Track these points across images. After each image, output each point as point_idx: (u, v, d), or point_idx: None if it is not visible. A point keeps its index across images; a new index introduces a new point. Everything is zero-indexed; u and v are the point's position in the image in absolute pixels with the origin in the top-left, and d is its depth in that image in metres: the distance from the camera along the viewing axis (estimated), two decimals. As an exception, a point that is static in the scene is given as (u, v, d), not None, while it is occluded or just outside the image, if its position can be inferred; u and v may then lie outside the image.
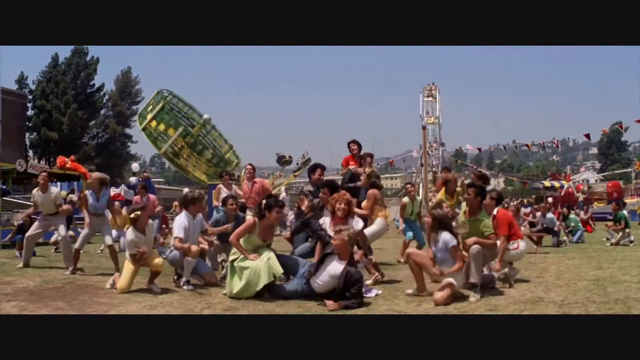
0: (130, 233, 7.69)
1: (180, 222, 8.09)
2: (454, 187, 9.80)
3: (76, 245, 9.77)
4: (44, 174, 10.67)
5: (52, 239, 13.41)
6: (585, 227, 19.70)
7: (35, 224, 10.61)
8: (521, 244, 8.19)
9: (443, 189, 9.91)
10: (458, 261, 6.82)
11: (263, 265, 6.98)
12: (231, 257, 7.35)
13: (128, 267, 7.60)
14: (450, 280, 6.67)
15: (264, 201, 7.50)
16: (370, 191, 8.85)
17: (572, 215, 18.59)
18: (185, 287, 7.65)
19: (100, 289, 7.70)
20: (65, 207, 10.82)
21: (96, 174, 10.49)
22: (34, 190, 10.60)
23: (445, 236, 6.91)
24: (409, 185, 13.34)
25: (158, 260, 7.68)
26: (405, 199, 12.23)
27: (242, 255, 7.18)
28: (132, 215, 7.78)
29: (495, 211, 7.94)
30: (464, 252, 7.01)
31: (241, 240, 7.31)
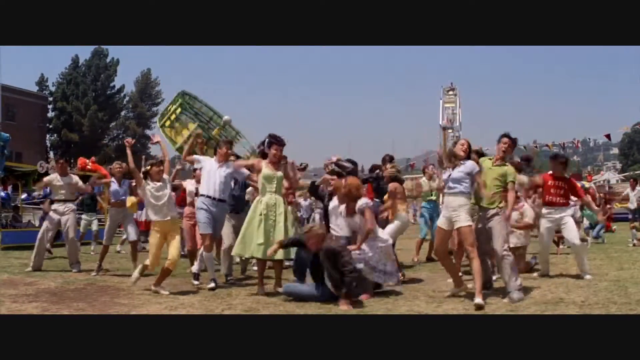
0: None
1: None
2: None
3: (104, 242, 9.85)
4: (61, 161, 10.58)
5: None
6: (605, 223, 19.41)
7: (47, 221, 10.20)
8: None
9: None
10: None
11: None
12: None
13: (153, 241, 7.63)
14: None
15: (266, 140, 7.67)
16: (392, 184, 8.70)
17: (588, 212, 18.29)
18: (208, 286, 7.65)
19: (122, 289, 7.76)
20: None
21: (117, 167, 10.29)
22: (53, 176, 10.27)
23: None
24: (430, 166, 12.11)
25: (174, 255, 7.52)
26: (423, 180, 11.64)
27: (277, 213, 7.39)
28: (147, 167, 7.92)
29: None
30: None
31: (260, 177, 7.55)
